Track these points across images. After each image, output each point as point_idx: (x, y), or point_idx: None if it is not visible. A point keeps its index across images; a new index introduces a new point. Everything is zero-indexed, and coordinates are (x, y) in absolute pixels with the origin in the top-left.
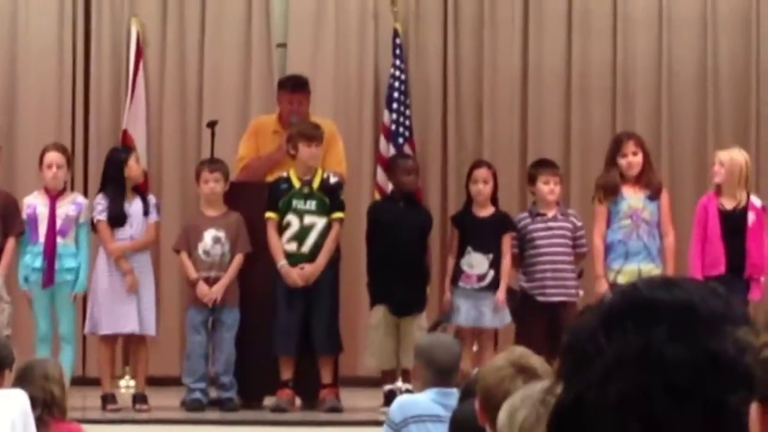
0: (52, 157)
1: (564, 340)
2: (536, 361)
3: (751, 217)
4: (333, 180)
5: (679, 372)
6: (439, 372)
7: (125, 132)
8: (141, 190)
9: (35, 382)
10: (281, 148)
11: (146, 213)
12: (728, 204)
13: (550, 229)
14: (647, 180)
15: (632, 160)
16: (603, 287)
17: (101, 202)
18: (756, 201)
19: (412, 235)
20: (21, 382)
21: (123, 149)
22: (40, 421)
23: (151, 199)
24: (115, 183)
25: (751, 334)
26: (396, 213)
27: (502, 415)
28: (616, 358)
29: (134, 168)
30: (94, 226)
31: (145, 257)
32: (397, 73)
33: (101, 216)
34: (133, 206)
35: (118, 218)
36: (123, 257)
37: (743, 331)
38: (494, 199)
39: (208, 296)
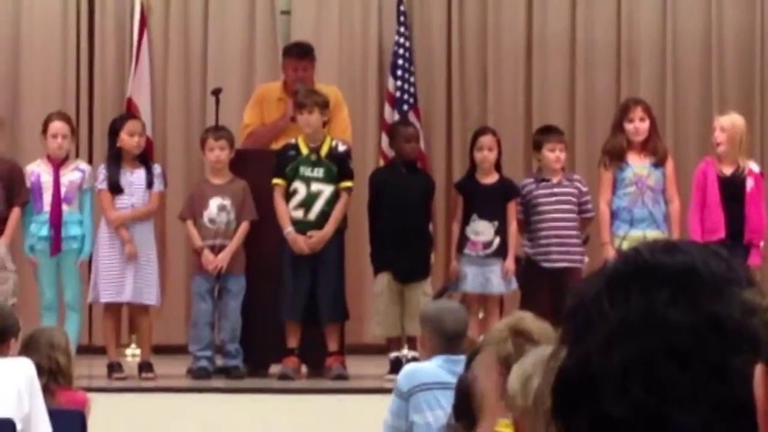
0: (57, 126)
1: (567, 305)
2: (532, 324)
3: (749, 182)
4: (342, 148)
5: (681, 335)
6: (447, 339)
7: (129, 100)
8: (146, 160)
9: (41, 351)
10: (285, 116)
11: (150, 182)
12: (727, 170)
13: (555, 195)
14: (653, 147)
15: (639, 125)
16: (609, 254)
17: (102, 171)
18: (754, 167)
19: (414, 201)
20: (27, 350)
21: (119, 118)
22: (46, 390)
23: (156, 168)
24: (112, 152)
25: (757, 296)
26: (398, 180)
27: (514, 381)
28: (620, 323)
29: (126, 140)
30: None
31: (147, 227)
32: (402, 40)
33: (102, 185)
34: (135, 175)
35: (114, 187)
36: (123, 226)
37: (749, 292)
38: (498, 166)
39: (213, 264)
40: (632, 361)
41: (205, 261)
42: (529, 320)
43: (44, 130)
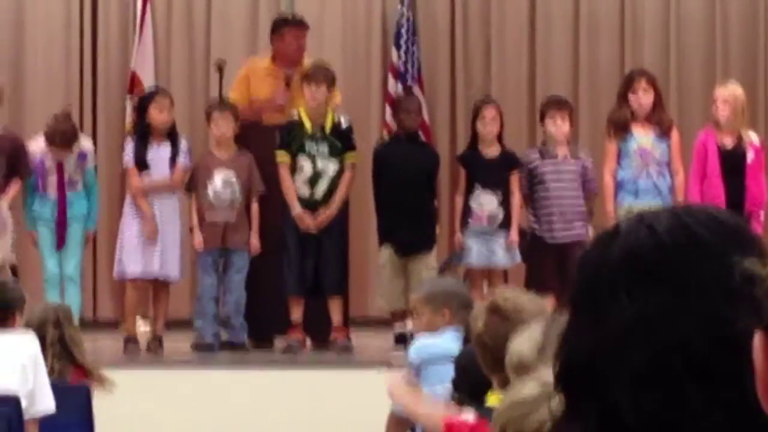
0: (55, 150)
1: (578, 275)
2: (509, 301)
3: (750, 154)
4: (345, 124)
5: (697, 344)
6: (469, 309)
7: (133, 73)
8: (173, 134)
9: (47, 330)
10: (273, 101)
11: (173, 157)
12: (728, 141)
13: (560, 171)
14: (658, 119)
15: (642, 97)
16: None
17: (130, 147)
18: (755, 138)
19: (417, 174)
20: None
21: (148, 95)
22: (54, 369)
23: (182, 143)
24: (140, 128)
25: (759, 264)
26: (400, 152)
27: (526, 351)
28: (636, 320)
29: (155, 116)
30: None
31: (172, 201)
32: (405, 11)
33: (129, 163)
34: (161, 151)
35: (139, 162)
36: (144, 200)
37: (750, 261)
38: (500, 138)
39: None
40: (646, 367)
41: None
42: (507, 297)
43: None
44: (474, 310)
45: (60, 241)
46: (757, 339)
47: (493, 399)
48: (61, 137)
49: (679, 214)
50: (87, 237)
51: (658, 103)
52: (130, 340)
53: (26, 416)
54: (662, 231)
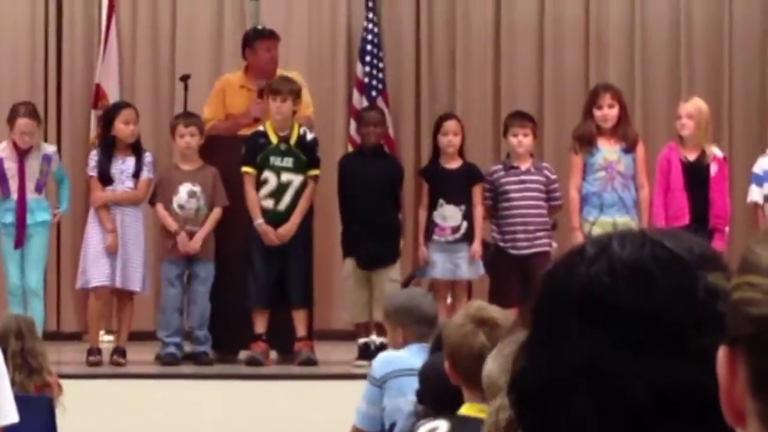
0: (23, 123)
1: (539, 292)
2: (495, 311)
3: (713, 167)
4: (309, 137)
5: (645, 403)
6: (428, 323)
7: (98, 86)
8: (138, 148)
9: (9, 340)
10: (248, 114)
11: (137, 171)
12: (691, 155)
13: (523, 182)
14: (623, 133)
15: (607, 112)
16: (578, 239)
17: (93, 159)
18: (717, 152)
19: (379, 187)
20: None
21: (113, 107)
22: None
23: (147, 156)
24: (105, 141)
25: (722, 278)
26: (364, 165)
27: (491, 366)
28: (585, 360)
29: (121, 128)
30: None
31: (135, 213)
32: (370, 25)
33: (92, 172)
34: (126, 164)
35: (103, 176)
36: (106, 212)
37: (714, 275)
38: (461, 152)
39: (190, 248)
40: (585, 414)
41: (181, 243)
42: (491, 309)
43: (10, 120)
44: (456, 327)
45: (19, 241)
46: (721, 352)
47: (467, 409)
48: (27, 107)
49: (645, 247)
50: (54, 218)
51: (624, 117)
52: (93, 352)
53: None
54: (620, 270)
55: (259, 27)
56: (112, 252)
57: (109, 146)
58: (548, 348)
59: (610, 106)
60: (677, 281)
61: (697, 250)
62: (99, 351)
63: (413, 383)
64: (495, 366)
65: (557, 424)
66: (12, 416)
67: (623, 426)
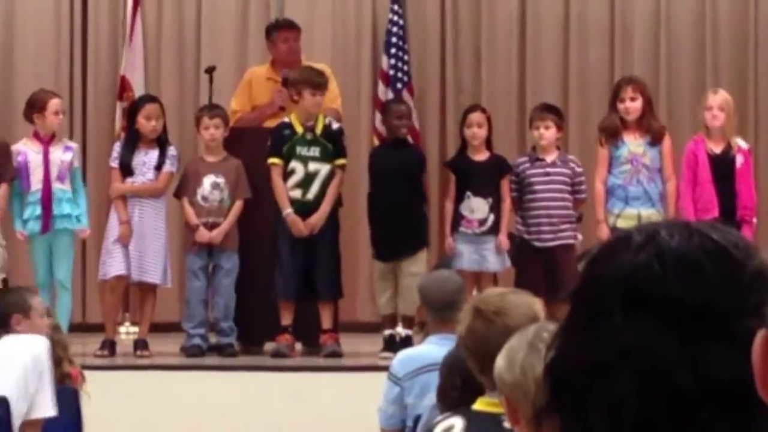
0: (57, 103)
1: (581, 279)
2: (491, 304)
3: (739, 159)
4: (335, 126)
5: (686, 393)
6: (434, 310)
7: (123, 78)
8: (162, 141)
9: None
10: (273, 104)
11: (160, 164)
12: (716, 148)
13: (548, 174)
14: (648, 125)
15: (630, 105)
16: (604, 232)
17: (117, 150)
18: (742, 143)
19: (407, 178)
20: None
21: (138, 101)
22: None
23: (171, 150)
24: (129, 133)
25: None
26: (389, 158)
27: (499, 359)
28: (625, 349)
29: (143, 124)
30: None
31: (155, 205)
32: (396, 18)
33: (114, 163)
34: (149, 156)
35: (124, 168)
36: (122, 204)
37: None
38: (489, 143)
39: (207, 238)
40: (625, 401)
41: (199, 236)
42: (491, 299)
43: (40, 109)
44: (461, 313)
45: (45, 226)
46: (758, 338)
47: (481, 404)
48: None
49: (694, 238)
50: (78, 234)
51: (648, 110)
52: (106, 344)
53: (25, 419)
54: (669, 259)
55: (279, 18)
56: (124, 243)
57: (133, 139)
58: (589, 334)
59: (633, 99)
60: (724, 272)
61: (742, 243)
62: (112, 344)
63: (436, 378)
64: (502, 360)
65: (594, 410)
66: (51, 410)
67: (663, 411)
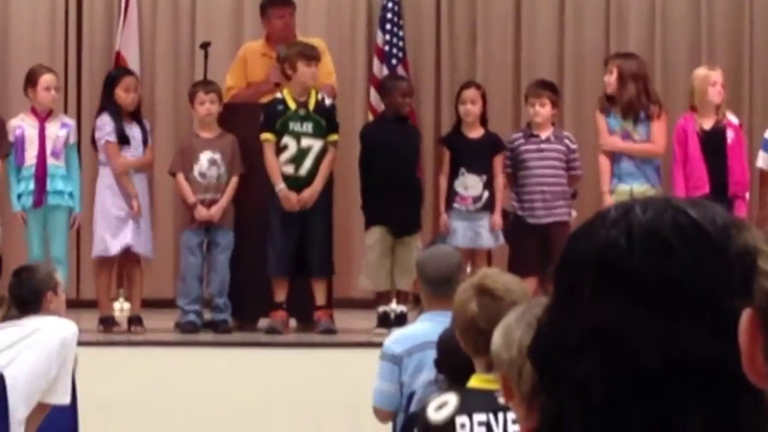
0: (49, 79)
1: (561, 257)
2: (501, 281)
3: (730, 134)
4: (328, 102)
5: (649, 377)
6: (430, 285)
7: (118, 54)
8: (138, 116)
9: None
10: (269, 81)
11: (145, 138)
12: (706, 124)
13: (542, 151)
14: (640, 103)
15: (608, 79)
16: (608, 203)
17: (109, 123)
18: (733, 118)
19: (405, 154)
20: (21, 283)
21: (114, 74)
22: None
23: (146, 124)
24: (111, 105)
25: (758, 240)
26: (388, 133)
27: (496, 337)
28: (592, 327)
29: (122, 96)
30: (94, 146)
31: (142, 179)
32: None
33: (110, 137)
34: (133, 130)
35: (122, 138)
36: (127, 178)
37: (749, 235)
38: (483, 120)
39: (207, 217)
40: (593, 381)
41: (198, 215)
42: (495, 277)
43: (33, 83)
44: (459, 293)
45: (38, 200)
46: (745, 316)
47: (475, 380)
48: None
49: (667, 214)
50: (74, 219)
51: (642, 90)
52: (104, 320)
53: (39, 400)
54: (637, 235)
55: None
56: (139, 216)
57: (117, 112)
58: (563, 312)
59: (611, 73)
60: (696, 249)
61: (721, 221)
62: (113, 320)
63: (431, 356)
64: (498, 338)
65: (566, 389)
66: (64, 399)
67: (628, 393)
